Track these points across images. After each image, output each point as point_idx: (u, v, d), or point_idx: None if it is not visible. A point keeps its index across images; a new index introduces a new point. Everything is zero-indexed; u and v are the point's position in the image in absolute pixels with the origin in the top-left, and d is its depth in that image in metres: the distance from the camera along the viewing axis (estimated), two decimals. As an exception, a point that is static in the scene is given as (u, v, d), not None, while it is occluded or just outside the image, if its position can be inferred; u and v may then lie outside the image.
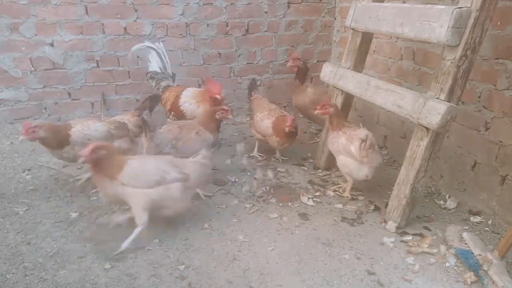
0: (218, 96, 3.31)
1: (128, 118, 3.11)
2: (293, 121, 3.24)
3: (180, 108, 3.48)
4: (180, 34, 4.35)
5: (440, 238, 2.52)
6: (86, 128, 2.86)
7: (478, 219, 2.72)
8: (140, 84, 4.38)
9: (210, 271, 2.20)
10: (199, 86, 4.46)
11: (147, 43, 3.85)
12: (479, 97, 2.76)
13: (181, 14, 4.28)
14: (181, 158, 2.59)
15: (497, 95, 2.62)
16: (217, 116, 3.10)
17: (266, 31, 4.64)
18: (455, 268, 2.25)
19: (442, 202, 2.96)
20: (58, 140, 2.81)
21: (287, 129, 3.24)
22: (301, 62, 3.92)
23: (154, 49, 3.82)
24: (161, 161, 2.47)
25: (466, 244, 2.37)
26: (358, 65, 3.20)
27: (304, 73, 3.96)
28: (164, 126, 3.06)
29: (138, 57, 3.93)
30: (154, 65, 3.86)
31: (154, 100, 3.37)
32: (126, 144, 3.03)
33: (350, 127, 2.98)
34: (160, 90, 3.71)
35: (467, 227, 2.62)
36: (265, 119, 3.46)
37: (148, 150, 2.88)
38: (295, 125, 3.28)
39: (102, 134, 2.87)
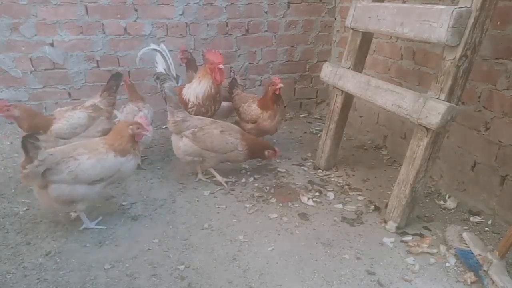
0: (221, 66, 3.23)
1: (100, 100, 3.23)
2: (278, 79, 3.43)
3: (184, 99, 3.43)
4: (180, 34, 4.35)
5: (440, 238, 2.52)
6: (70, 118, 3.01)
7: (478, 219, 2.72)
8: (140, 84, 4.38)
9: (210, 271, 2.20)
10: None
11: (153, 46, 3.85)
12: (479, 97, 2.75)
13: (181, 14, 4.28)
14: None
15: (497, 95, 2.62)
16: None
17: (266, 31, 4.64)
18: (455, 268, 2.25)
19: (442, 202, 2.96)
20: (31, 124, 2.88)
21: (271, 88, 3.42)
22: (189, 54, 4.02)
23: (159, 51, 3.83)
24: None
25: (466, 244, 2.37)
26: (358, 65, 3.19)
27: (194, 63, 4.04)
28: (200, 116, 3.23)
29: (140, 59, 3.92)
30: (160, 66, 3.88)
31: (117, 78, 3.34)
32: (107, 125, 3.18)
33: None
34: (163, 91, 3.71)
35: (467, 227, 2.62)
36: (252, 104, 3.59)
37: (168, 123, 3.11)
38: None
39: (85, 120, 3.06)
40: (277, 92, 3.42)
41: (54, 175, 2.28)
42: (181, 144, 3.04)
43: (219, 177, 3.17)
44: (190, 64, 4.05)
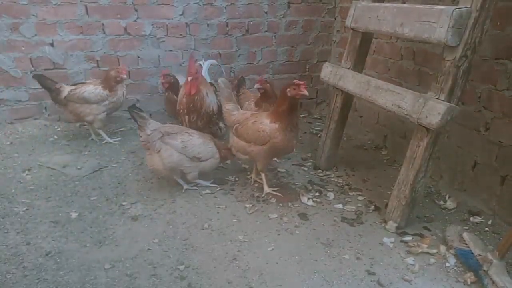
0: (189, 78, 3.18)
1: None
2: (262, 80, 3.56)
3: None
4: (180, 34, 4.35)
5: (440, 238, 2.52)
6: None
7: (478, 219, 2.72)
8: (140, 84, 4.39)
9: (210, 271, 2.20)
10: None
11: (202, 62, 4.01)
12: (479, 97, 2.76)
13: (181, 14, 4.28)
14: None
15: (497, 96, 2.63)
16: (288, 94, 2.72)
17: (266, 31, 4.64)
18: (455, 268, 2.25)
19: (442, 202, 2.96)
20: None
21: (256, 85, 3.54)
22: (171, 78, 3.87)
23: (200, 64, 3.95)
24: None
25: (466, 244, 2.37)
26: (358, 65, 3.20)
27: (177, 86, 3.84)
28: (242, 110, 3.22)
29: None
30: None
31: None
32: None
33: None
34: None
35: (467, 227, 2.62)
36: (251, 103, 3.67)
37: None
38: (266, 84, 3.54)
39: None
40: (260, 92, 3.55)
41: (170, 139, 2.85)
42: (231, 141, 3.06)
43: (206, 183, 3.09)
44: (174, 88, 3.86)
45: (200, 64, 3.94)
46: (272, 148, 2.84)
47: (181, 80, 3.77)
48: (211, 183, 3.13)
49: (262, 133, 2.81)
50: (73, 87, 3.77)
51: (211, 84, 3.74)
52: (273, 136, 2.78)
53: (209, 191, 3.06)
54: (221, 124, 3.49)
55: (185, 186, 3.04)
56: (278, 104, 2.82)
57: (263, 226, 2.63)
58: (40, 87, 3.77)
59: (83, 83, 3.86)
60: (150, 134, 2.81)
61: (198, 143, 2.93)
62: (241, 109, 3.65)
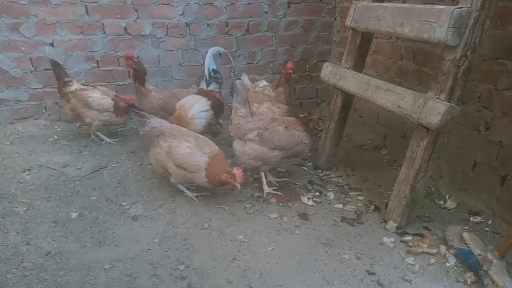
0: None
1: None
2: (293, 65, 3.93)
3: None
4: (180, 34, 4.35)
5: (440, 238, 2.52)
6: None
7: (478, 219, 2.72)
8: (140, 84, 4.38)
9: (210, 271, 2.20)
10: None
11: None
12: (479, 97, 2.76)
13: (181, 14, 4.28)
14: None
15: (497, 95, 2.62)
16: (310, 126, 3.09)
17: (266, 31, 4.64)
18: (455, 268, 2.25)
19: (442, 202, 2.96)
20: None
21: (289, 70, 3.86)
22: (133, 62, 3.56)
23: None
24: None
25: (466, 244, 2.37)
26: (358, 65, 3.20)
27: (143, 74, 3.63)
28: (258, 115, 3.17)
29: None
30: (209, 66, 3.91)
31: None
32: None
33: None
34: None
35: (467, 227, 2.62)
36: (260, 106, 3.59)
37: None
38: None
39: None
40: (287, 75, 3.84)
41: (161, 140, 2.87)
42: (247, 149, 2.90)
43: (188, 193, 2.96)
44: (138, 75, 3.63)
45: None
46: (295, 152, 3.02)
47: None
48: (195, 195, 2.95)
49: (297, 139, 2.96)
50: (83, 87, 3.76)
51: (216, 71, 3.82)
52: (305, 143, 3.02)
53: (209, 192, 3.06)
54: (220, 121, 3.48)
55: (189, 195, 2.95)
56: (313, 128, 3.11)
57: (263, 226, 2.63)
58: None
59: (94, 86, 3.83)
60: (149, 131, 2.92)
61: (183, 153, 2.76)
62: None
